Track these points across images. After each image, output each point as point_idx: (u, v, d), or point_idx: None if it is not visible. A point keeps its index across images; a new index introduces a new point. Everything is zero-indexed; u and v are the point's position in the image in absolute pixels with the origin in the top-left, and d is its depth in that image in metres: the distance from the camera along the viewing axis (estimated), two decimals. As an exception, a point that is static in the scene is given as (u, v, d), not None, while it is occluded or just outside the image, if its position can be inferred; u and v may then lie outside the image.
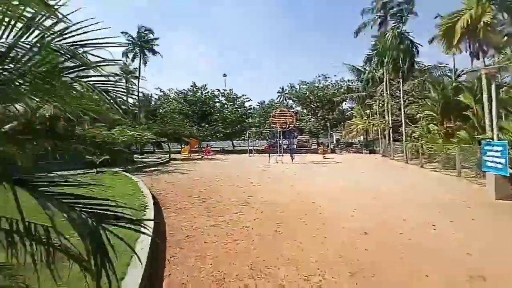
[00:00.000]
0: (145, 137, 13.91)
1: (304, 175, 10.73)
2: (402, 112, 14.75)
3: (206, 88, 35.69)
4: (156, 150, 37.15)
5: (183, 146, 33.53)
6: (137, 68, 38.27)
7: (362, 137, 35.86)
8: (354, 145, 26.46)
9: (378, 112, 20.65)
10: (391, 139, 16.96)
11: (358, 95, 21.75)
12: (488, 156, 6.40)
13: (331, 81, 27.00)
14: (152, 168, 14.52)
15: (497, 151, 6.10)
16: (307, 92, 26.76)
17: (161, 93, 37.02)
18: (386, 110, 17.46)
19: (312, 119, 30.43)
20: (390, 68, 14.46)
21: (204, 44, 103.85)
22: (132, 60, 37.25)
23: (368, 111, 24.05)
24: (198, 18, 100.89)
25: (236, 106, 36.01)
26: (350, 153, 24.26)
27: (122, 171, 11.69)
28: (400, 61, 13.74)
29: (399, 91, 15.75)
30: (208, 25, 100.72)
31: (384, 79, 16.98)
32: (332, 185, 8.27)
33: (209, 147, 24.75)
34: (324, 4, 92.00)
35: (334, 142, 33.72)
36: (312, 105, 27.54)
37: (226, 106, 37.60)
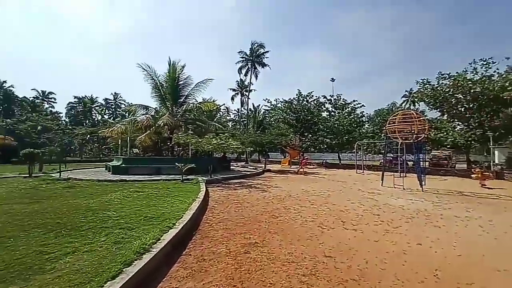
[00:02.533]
0: (231, 145, 13.30)
1: (444, 222, 6.15)
2: None
3: (312, 95, 33.28)
4: (263, 159, 38.23)
5: (286, 156, 32.55)
6: (252, 83, 41.43)
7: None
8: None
9: None
10: None
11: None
12: None
13: (497, 69, 17.58)
14: (239, 180, 13.61)
15: None
16: (451, 89, 18.76)
17: (269, 104, 37.63)
18: None
19: (458, 127, 21.40)
20: None
21: (325, 56, 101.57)
22: (245, 75, 40.71)
23: None
24: (320, 31, 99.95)
25: (345, 113, 31.40)
26: (540, 182, 14.56)
27: (205, 180, 11.30)
28: None
29: None
30: (331, 36, 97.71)
31: None
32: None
33: (307, 159, 22.02)
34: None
35: (499, 161, 22.11)
36: (459, 107, 19.14)
37: (333, 114, 33.63)
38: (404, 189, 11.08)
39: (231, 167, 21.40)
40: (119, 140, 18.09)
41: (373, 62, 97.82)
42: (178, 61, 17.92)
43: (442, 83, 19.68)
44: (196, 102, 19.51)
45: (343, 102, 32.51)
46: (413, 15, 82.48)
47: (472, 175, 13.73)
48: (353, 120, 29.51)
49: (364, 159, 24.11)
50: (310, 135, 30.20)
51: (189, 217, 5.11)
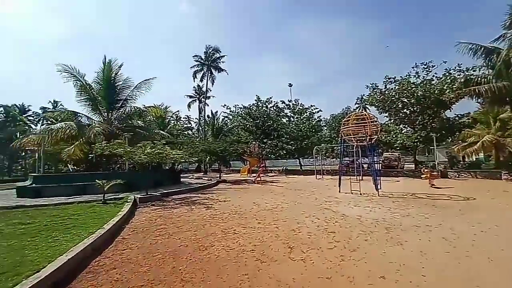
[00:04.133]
0: (172, 155, 11.40)
1: (405, 236, 5.29)
2: None
3: (271, 101, 32.79)
4: (225, 169, 36.14)
5: (246, 164, 31.15)
6: (210, 89, 39.61)
7: (481, 154, 24.92)
8: (482, 166, 17.26)
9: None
10: None
11: (490, 86, 13.48)
12: None
13: (435, 73, 18.91)
14: (183, 195, 11.70)
15: None
16: (397, 93, 19.64)
17: (228, 110, 35.96)
18: None
19: (405, 130, 22.57)
20: None
21: (284, 63, 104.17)
22: (201, 80, 38.75)
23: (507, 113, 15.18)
24: (277, 39, 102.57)
25: (303, 118, 31.50)
26: (477, 179, 15.61)
27: (137, 199, 9.25)
28: None
29: None
30: (287, 45, 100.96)
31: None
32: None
33: (263, 166, 20.96)
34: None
35: (439, 161, 23.90)
36: (405, 110, 20.11)
37: (292, 119, 33.57)
38: (361, 194, 10.46)
39: (183, 179, 19.25)
40: (36, 153, 14.74)
41: (328, 70, 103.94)
42: (115, 60, 15.50)
43: (389, 87, 20.57)
44: (139, 107, 17.08)
45: (301, 107, 32.69)
46: (359, 28, 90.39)
47: (422, 175, 13.96)
48: (311, 125, 29.66)
49: (324, 163, 23.95)
50: (270, 142, 29.46)
51: (56, 268, 3.26)
